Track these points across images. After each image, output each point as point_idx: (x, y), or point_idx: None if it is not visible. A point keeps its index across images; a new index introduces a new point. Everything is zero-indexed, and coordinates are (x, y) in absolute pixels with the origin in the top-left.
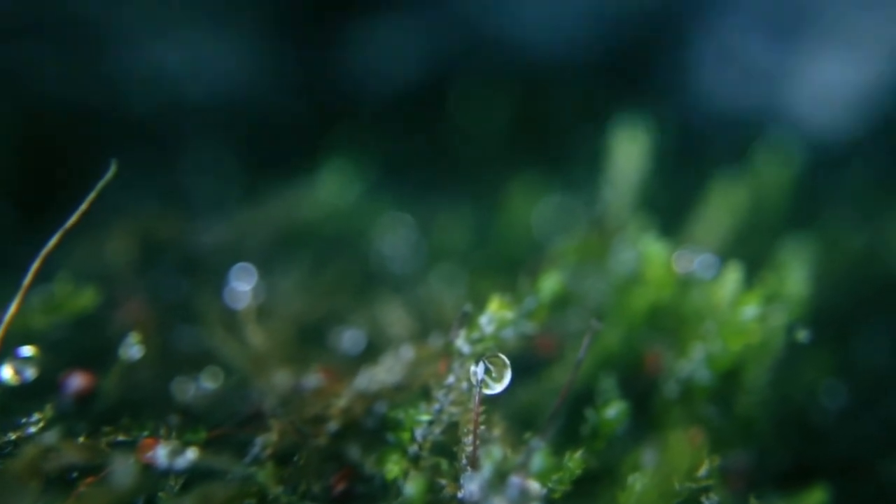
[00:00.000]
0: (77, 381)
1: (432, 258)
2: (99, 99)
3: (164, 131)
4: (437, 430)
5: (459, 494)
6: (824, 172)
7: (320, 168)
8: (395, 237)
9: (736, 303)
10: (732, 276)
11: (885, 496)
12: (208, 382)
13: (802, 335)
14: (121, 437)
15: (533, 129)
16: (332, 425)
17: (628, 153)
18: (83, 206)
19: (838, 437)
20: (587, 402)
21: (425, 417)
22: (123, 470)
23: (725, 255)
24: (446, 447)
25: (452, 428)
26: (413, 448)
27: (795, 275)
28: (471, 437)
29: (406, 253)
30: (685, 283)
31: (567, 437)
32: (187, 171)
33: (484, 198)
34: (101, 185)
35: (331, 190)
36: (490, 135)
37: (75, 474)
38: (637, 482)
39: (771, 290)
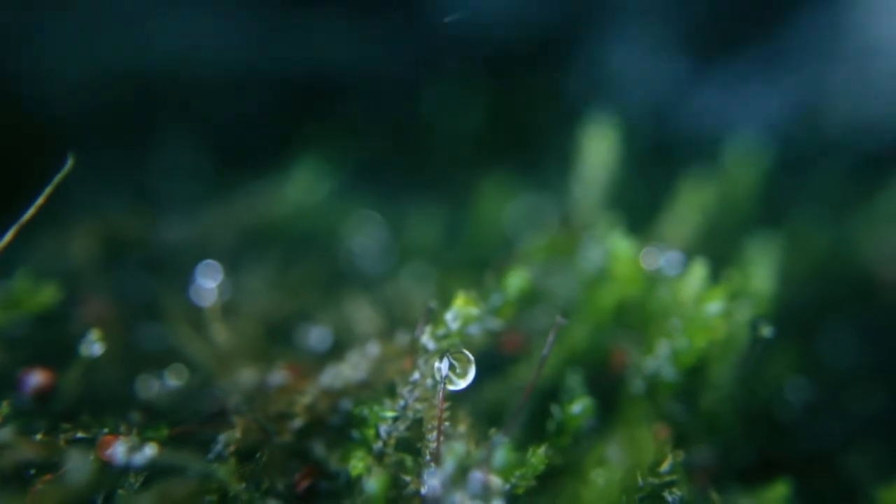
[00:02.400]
0: (36, 378)
1: (403, 257)
2: (65, 95)
3: (132, 128)
4: (401, 426)
5: (422, 490)
6: (791, 171)
7: (290, 166)
8: (365, 236)
9: (701, 299)
10: (698, 273)
11: (847, 490)
12: (172, 380)
13: (766, 331)
14: (80, 434)
15: (505, 128)
16: (297, 422)
17: (598, 151)
18: (40, 200)
19: (802, 433)
20: (553, 398)
21: (390, 414)
22: (80, 466)
23: (693, 252)
24: (411, 443)
25: (417, 424)
26: (377, 445)
27: (761, 272)
28: (434, 434)
29: (376, 251)
30: (652, 280)
31: (533, 434)
32: (155, 169)
33: (456, 197)
34: (58, 178)
35: (300, 188)
36: (462, 134)
37: (32, 472)
38: (600, 477)
39: (736, 286)
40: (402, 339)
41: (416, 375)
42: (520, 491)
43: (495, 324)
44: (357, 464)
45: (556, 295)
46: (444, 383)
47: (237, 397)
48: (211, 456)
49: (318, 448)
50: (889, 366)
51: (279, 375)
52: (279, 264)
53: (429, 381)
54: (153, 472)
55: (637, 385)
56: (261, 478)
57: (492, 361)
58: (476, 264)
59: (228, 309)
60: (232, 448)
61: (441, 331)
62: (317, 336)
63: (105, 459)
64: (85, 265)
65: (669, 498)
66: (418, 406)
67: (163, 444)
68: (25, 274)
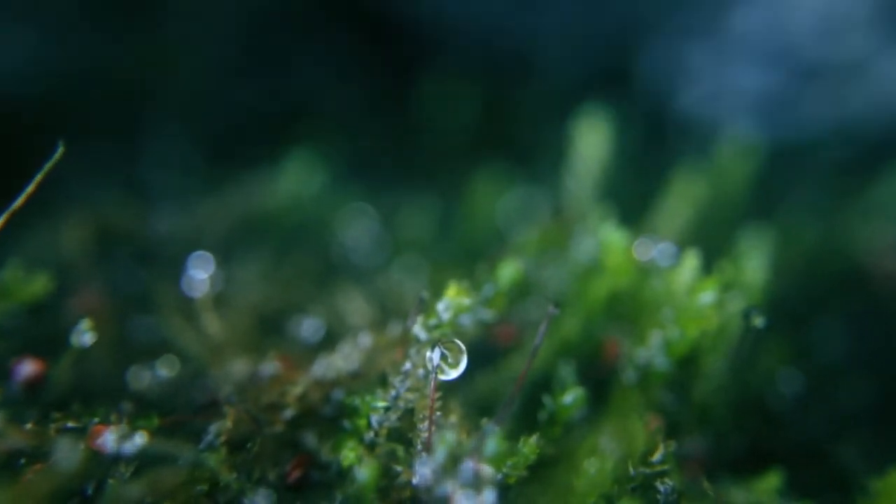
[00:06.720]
0: (27, 368)
1: (395, 249)
2: (60, 88)
3: (125, 121)
4: (393, 416)
5: (413, 480)
6: (784, 164)
7: (283, 159)
8: (357, 228)
9: (693, 289)
10: (690, 264)
11: (838, 480)
12: (164, 371)
13: (758, 320)
14: (71, 424)
15: (499, 122)
16: (289, 412)
17: (591, 143)
18: (30, 188)
19: (794, 424)
20: (545, 388)
21: (382, 404)
22: (70, 455)
23: (685, 244)
24: (403, 433)
25: (409, 414)
26: (369, 435)
27: (753, 263)
28: (426, 423)
29: (369, 244)
30: (644, 271)
31: (525, 424)
32: (148, 161)
33: (448, 189)
34: (48, 165)
35: (293, 180)
36: (455, 127)
37: (23, 460)
38: (592, 466)
39: (728, 277)
40: (394, 329)
41: (408, 366)
42: (511, 480)
43: (487, 315)
44: (348, 454)
45: (549, 287)
46: (436, 373)
47: (229, 388)
48: (202, 445)
49: (310, 438)
50: (880, 357)
51: (271, 366)
52: (272, 256)
53: (420, 372)
54: (144, 461)
55: (629, 375)
56: (252, 467)
57: (484, 353)
58: (469, 257)
59: (220, 300)
60: (223, 438)
61: (433, 321)
62: (309, 327)
63: (95, 448)
64: (77, 256)
65: (661, 487)
66: (410, 396)
67: (153, 433)
68: (17, 264)
